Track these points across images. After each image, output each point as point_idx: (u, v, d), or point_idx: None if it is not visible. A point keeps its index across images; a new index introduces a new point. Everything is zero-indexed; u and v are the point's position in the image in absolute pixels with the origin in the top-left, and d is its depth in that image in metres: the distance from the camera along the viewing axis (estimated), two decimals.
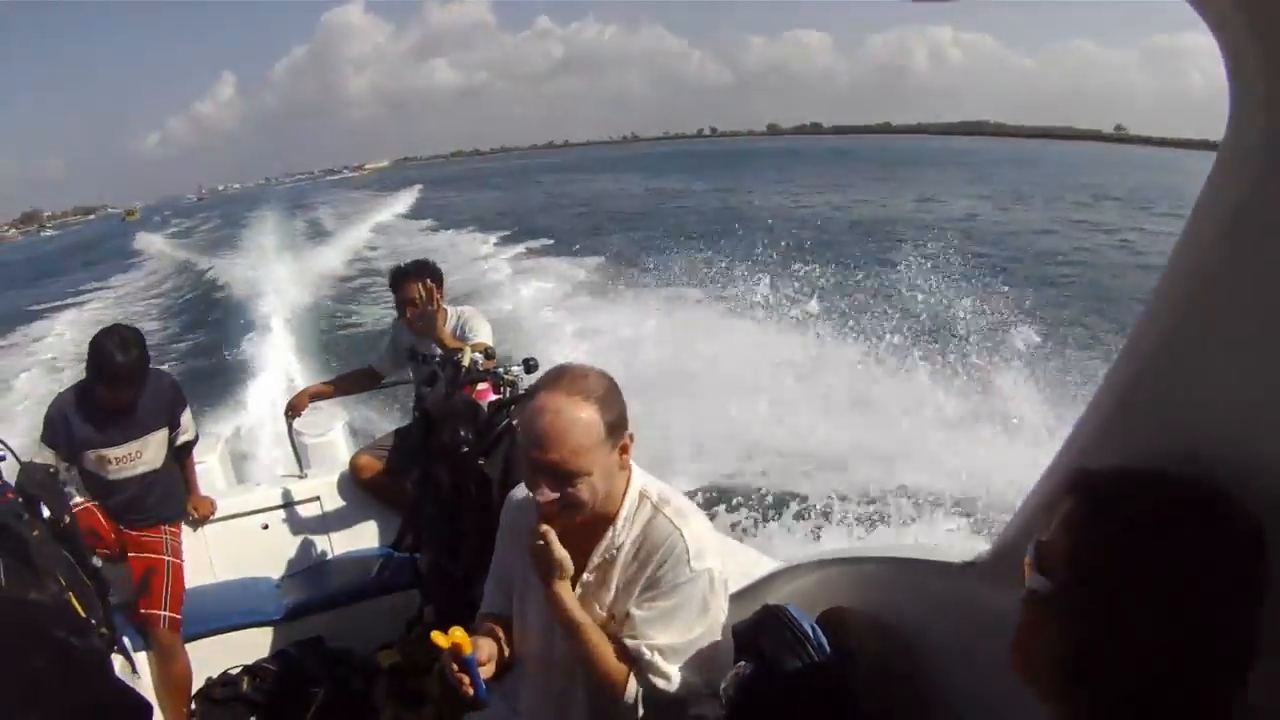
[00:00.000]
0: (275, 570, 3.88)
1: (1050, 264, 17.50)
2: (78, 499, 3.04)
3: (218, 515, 3.70)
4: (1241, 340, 0.79)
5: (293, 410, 3.96)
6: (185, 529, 3.48)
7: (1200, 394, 0.86)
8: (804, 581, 1.94)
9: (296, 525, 3.95)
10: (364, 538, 3.99)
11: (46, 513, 2.50)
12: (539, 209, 33.95)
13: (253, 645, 3.40)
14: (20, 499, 2.45)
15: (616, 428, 1.53)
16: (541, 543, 1.55)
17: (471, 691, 1.54)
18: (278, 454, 6.53)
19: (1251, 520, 0.74)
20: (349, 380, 4.29)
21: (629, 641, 1.58)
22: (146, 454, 3.18)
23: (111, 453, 3.10)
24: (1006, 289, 10.79)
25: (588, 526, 1.62)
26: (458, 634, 1.55)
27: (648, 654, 1.56)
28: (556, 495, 1.51)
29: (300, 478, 4.04)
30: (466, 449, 2.67)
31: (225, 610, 3.48)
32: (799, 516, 6.11)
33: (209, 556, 3.68)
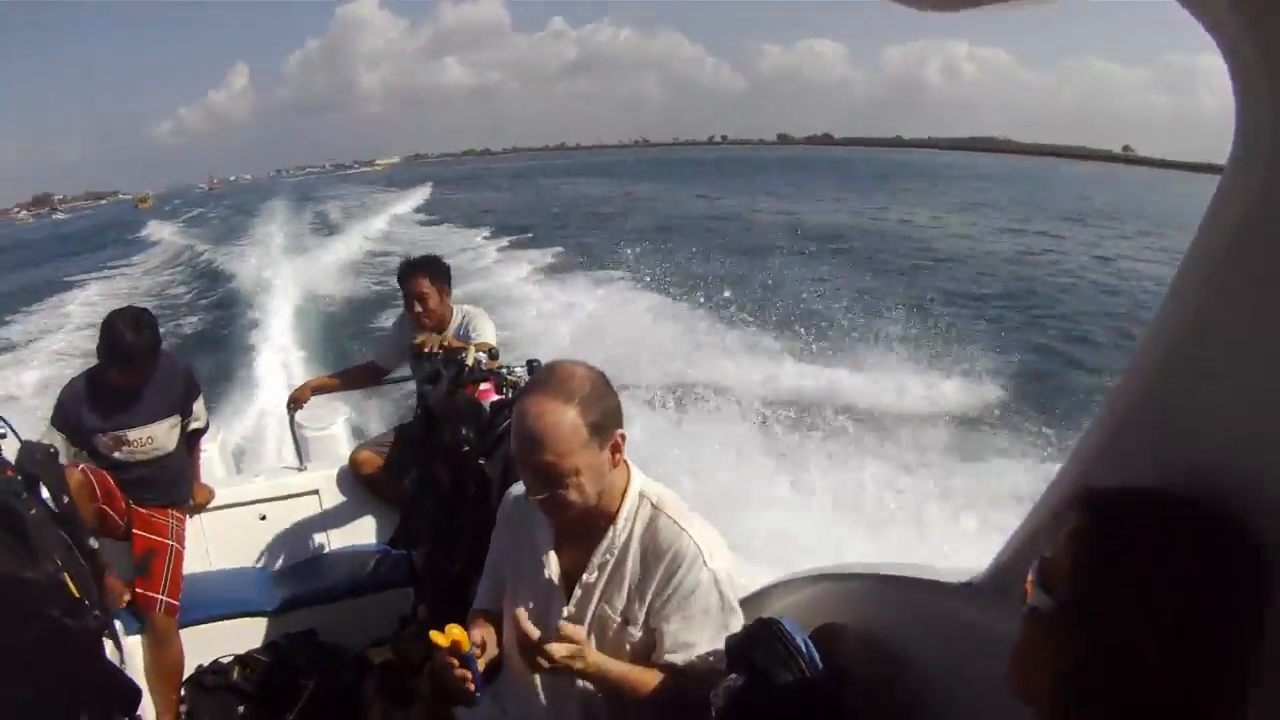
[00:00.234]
0: (270, 561, 3.88)
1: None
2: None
3: (216, 504, 3.69)
4: (1247, 358, 0.79)
5: (295, 403, 3.94)
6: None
7: (1204, 413, 0.85)
8: (799, 595, 1.93)
9: (294, 518, 3.94)
10: (361, 533, 3.99)
11: (45, 493, 2.50)
12: (533, 209, 36.38)
13: (245, 635, 3.39)
14: (20, 477, 2.45)
15: (602, 427, 1.54)
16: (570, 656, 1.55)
17: (472, 687, 1.57)
18: (278, 446, 6.55)
19: (1254, 540, 0.74)
20: (352, 375, 4.29)
21: (674, 659, 1.61)
22: (159, 439, 3.18)
23: (124, 436, 3.10)
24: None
25: (589, 526, 1.63)
26: (456, 631, 1.57)
27: (700, 664, 1.60)
28: (547, 495, 1.54)
29: (300, 470, 4.03)
30: (467, 448, 2.67)
31: (219, 598, 3.48)
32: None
33: (205, 544, 3.68)
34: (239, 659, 3.28)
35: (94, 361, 3.09)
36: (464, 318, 3.72)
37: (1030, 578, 0.82)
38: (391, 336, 4.08)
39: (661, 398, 7.51)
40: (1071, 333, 13.07)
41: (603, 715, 1.67)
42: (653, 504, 1.64)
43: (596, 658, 1.59)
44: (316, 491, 3.96)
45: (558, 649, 1.52)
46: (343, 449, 4.28)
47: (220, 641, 3.33)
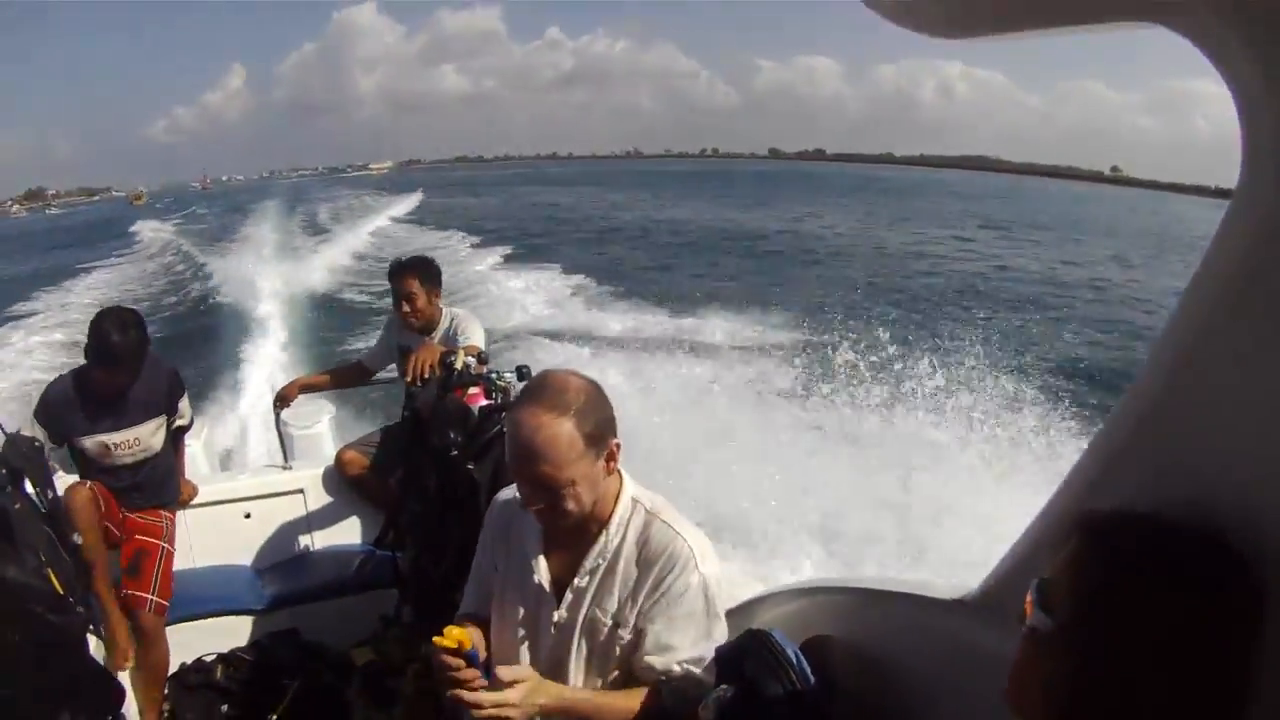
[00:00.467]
0: (254, 560, 3.85)
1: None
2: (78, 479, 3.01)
3: (200, 501, 3.66)
4: (1249, 383, 0.79)
5: (281, 401, 3.91)
6: None
7: (1203, 440, 0.86)
8: (790, 607, 1.93)
9: (279, 516, 3.91)
10: (346, 533, 3.96)
11: (30, 488, 2.48)
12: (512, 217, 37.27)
13: (228, 633, 3.37)
14: (3, 470, 2.42)
15: (597, 437, 1.53)
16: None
17: (477, 686, 1.55)
18: (264, 445, 6.50)
19: (1252, 566, 0.75)
20: (340, 374, 4.26)
21: (654, 661, 1.61)
22: (145, 440, 3.15)
23: (110, 439, 3.06)
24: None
25: (579, 531, 1.63)
26: (457, 632, 1.56)
27: (679, 670, 1.60)
28: (542, 505, 1.54)
29: (285, 469, 4.00)
30: (455, 452, 2.66)
31: (202, 596, 3.44)
32: None
33: (189, 542, 3.64)
34: (222, 657, 3.26)
35: (79, 359, 3.07)
36: (452, 320, 3.72)
37: (1030, 598, 0.83)
38: (380, 337, 4.07)
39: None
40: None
41: None
42: (646, 509, 1.65)
43: (554, 693, 1.58)
44: (301, 490, 3.93)
45: (486, 698, 1.51)
46: (328, 448, 4.26)
47: (203, 639, 3.30)
